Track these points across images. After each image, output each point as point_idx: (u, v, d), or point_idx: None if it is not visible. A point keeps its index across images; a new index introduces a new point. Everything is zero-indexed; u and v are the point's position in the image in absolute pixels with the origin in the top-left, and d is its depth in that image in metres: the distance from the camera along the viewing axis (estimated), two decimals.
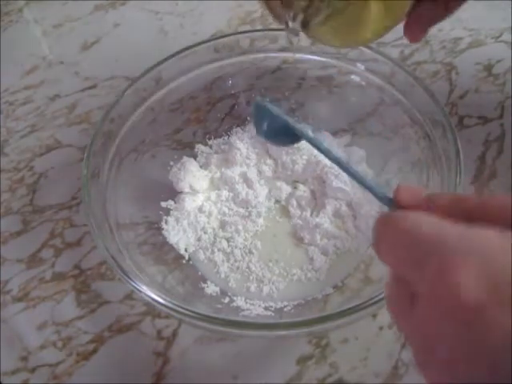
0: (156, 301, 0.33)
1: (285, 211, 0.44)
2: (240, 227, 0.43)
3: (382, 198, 0.25)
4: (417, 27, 0.37)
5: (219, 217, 0.44)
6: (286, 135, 0.32)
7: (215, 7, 0.63)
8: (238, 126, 0.49)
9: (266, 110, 0.32)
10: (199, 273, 0.41)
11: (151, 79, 0.44)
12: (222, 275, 0.41)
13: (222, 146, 0.48)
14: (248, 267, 0.41)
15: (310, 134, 0.31)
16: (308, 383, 0.36)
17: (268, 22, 0.61)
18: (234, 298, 0.39)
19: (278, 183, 0.45)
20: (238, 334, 0.35)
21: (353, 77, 0.46)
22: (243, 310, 0.38)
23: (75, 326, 0.40)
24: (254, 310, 0.38)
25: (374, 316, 0.38)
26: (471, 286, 0.17)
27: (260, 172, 0.45)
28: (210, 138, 0.49)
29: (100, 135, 0.40)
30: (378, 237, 0.22)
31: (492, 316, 0.17)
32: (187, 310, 0.32)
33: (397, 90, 0.43)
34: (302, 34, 0.35)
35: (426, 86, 0.41)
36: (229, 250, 0.42)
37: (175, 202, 0.45)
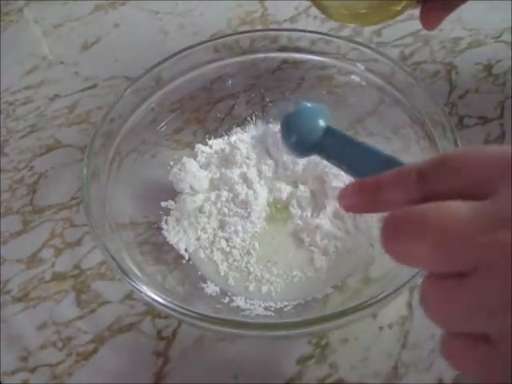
0: (156, 301, 0.33)
1: (285, 212, 0.44)
2: (239, 228, 0.43)
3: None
4: (432, 14, 0.37)
5: (219, 217, 0.44)
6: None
7: (215, 7, 0.63)
8: (237, 125, 0.49)
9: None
10: (199, 273, 0.41)
11: (151, 79, 0.44)
12: (222, 273, 0.41)
13: (222, 146, 0.48)
14: (246, 267, 0.41)
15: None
16: (308, 383, 0.36)
17: (268, 21, 0.61)
18: (234, 298, 0.39)
19: (278, 184, 0.45)
20: (238, 334, 0.35)
21: (353, 77, 0.46)
22: (243, 310, 0.38)
23: (75, 326, 0.40)
24: (254, 309, 0.38)
25: (374, 316, 0.38)
26: None
27: (260, 172, 0.45)
28: (210, 138, 0.48)
29: (100, 135, 0.40)
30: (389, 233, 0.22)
31: None
32: (187, 310, 0.32)
33: (397, 89, 0.43)
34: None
35: (425, 86, 0.41)
36: (228, 250, 0.42)
37: (175, 202, 0.45)
